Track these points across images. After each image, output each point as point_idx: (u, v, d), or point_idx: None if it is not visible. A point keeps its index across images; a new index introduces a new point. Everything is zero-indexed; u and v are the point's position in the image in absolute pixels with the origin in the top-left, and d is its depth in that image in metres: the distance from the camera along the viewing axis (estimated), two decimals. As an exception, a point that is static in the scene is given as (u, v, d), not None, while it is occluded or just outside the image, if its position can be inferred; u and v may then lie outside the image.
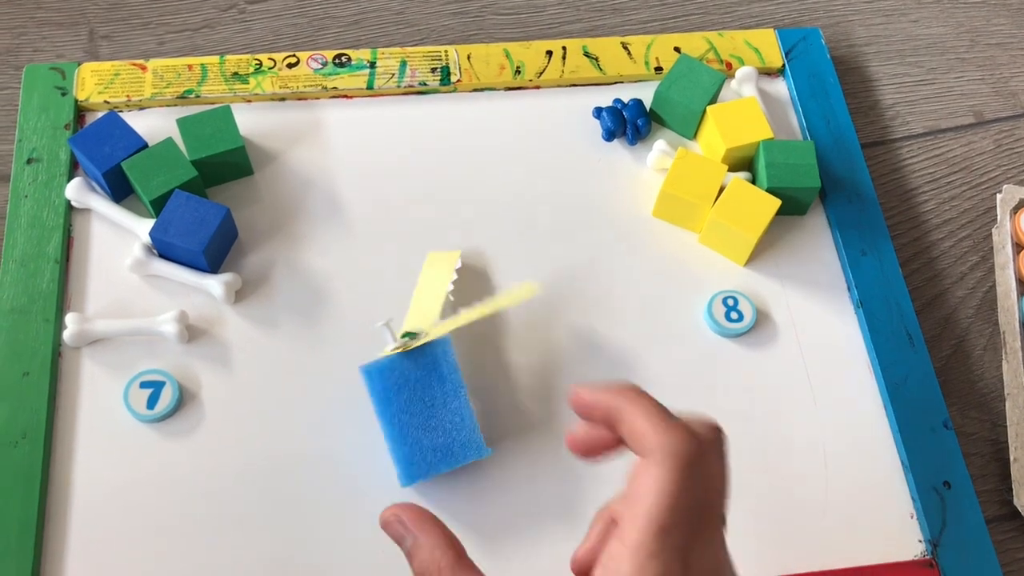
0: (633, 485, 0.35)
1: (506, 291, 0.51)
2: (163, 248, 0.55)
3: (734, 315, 0.57)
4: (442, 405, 0.51)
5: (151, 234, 0.55)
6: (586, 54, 0.66)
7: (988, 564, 0.52)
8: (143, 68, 0.63)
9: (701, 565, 0.35)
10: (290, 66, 0.64)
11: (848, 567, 0.51)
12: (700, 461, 0.35)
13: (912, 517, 0.53)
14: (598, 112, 0.63)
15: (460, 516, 0.51)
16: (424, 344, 0.51)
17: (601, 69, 0.66)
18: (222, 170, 0.59)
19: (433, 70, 0.64)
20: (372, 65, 0.64)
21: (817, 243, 0.61)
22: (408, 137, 0.63)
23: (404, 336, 0.51)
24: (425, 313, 0.52)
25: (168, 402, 0.52)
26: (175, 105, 0.62)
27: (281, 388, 0.54)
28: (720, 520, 0.37)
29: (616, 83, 0.66)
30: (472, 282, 0.58)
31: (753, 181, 0.61)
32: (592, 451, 0.39)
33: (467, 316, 0.51)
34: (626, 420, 0.36)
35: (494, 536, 0.51)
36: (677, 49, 0.66)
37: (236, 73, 0.63)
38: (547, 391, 0.54)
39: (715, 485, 0.37)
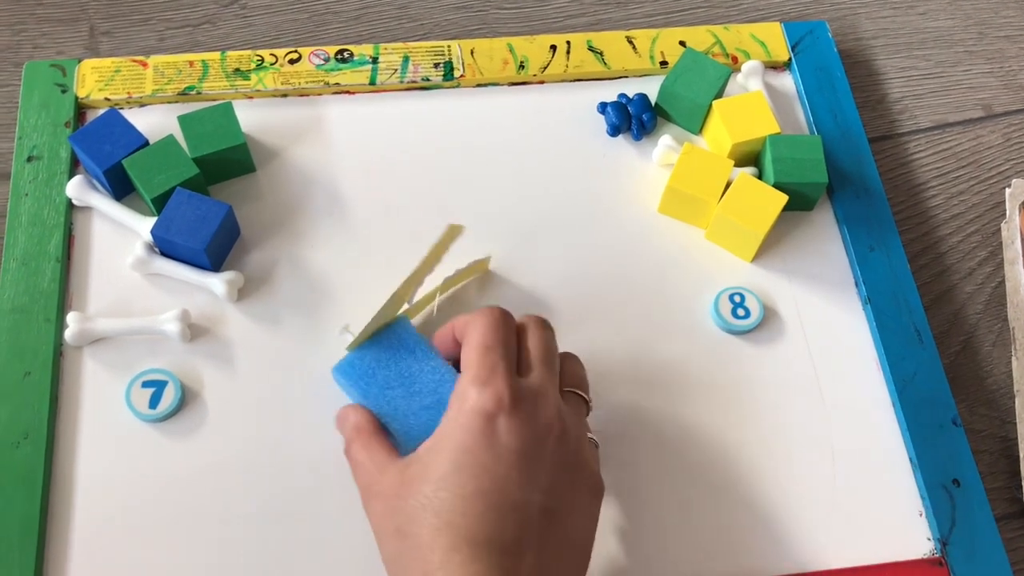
0: (464, 342, 0.46)
1: (435, 241, 0.50)
2: (165, 246, 0.55)
3: (741, 312, 0.57)
4: (419, 371, 0.51)
5: (153, 232, 0.54)
6: (590, 48, 0.65)
7: (998, 562, 0.51)
8: (144, 65, 0.62)
9: (527, 382, 0.44)
10: (292, 62, 0.63)
11: (856, 566, 0.51)
12: (505, 316, 0.46)
13: (921, 515, 0.53)
14: (603, 107, 0.63)
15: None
16: (382, 329, 0.51)
17: (606, 64, 0.65)
18: (224, 167, 0.58)
19: (436, 65, 0.64)
20: (374, 60, 0.64)
21: (824, 239, 0.61)
22: (411, 133, 0.62)
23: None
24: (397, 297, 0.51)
25: (170, 402, 0.52)
26: (176, 102, 0.62)
27: (284, 386, 0.53)
28: (547, 369, 0.46)
29: (621, 78, 0.65)
30: (476, 281, 0.57)
31: (760, 176, 0.61)
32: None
33: (409, 279, 0.50)
34: (455, 323, 0.48)
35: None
36: (682, 43, 0.66)
37: (238, 69, 0.62)
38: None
39: (540, 343, 0.47)
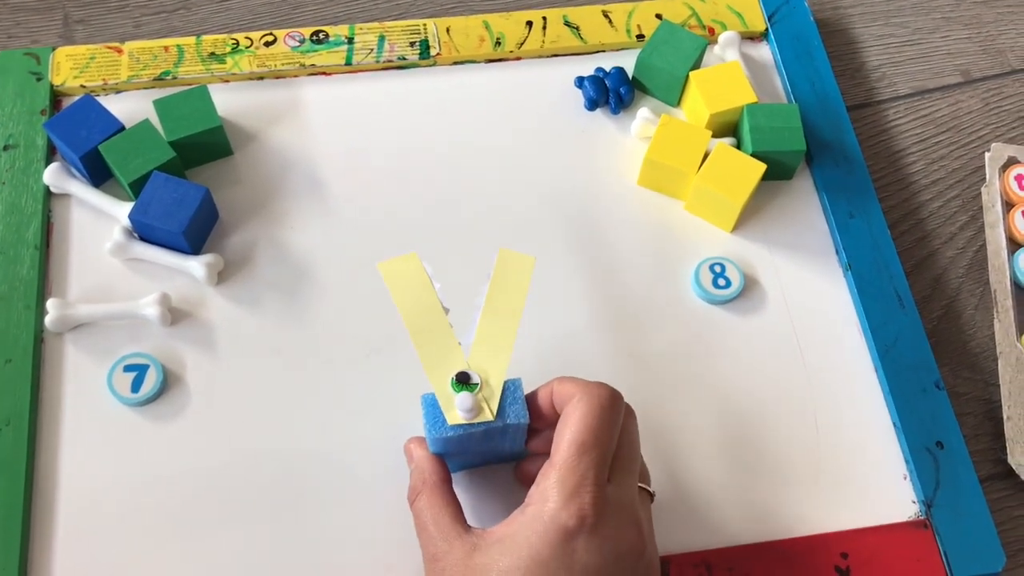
0: (560, 424, 0.43)
1: (513, 280, 0.48)
2: (143, 230, 0.55)
3: (721, 282, 0.57)
4: (500, 442, 0.47)
5: (131, 216, 0.54)
6: (567, 23, 0.65)
7: (982, 523, 0.51)
8: (119, 51, 0.62)
9: (615, 493, 0.42)
10: (267, 44, 0.63)
11: (842, 530, 0.51)
12: (613, 405, 0.43)
13: (905, 478, 0.53)
14: (580, 82, 0.63)
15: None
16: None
17: (582, 38, 0.65)
18: (201, 151, 0.58)
19: (412, 44, 0.64)
20: (350, 41, 0.63)
21: (804, 207, 0.61)
22: (388, 112, 0.62)
23: (460, 380, 0.46)
24: (493, 349, 0.47)
25: (152, 385, 0.52)
26: (152, 87, 0.62)
27: (265, 368, 0.53)
28: (634, 470, 0.44)
29: (598, 52, 0.65)
30: (458, 262, 0.57)
31: (738, 146, 0.60)
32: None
33: (511, 332, 0.47)
34: (556, 389, 0.45)
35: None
36: (658, 16, 0.66)
37: (213, 53, 0.62)
38: (533, 363, 0.54)
39: (629, 438, 0.45)
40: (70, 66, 0.61)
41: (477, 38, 0.64)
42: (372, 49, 0.63)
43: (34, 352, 0.52)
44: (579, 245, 0.58)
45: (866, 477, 0.53)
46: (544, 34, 0.65)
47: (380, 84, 0.63)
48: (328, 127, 0.61)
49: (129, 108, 0.60)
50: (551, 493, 0.41)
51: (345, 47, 0.63)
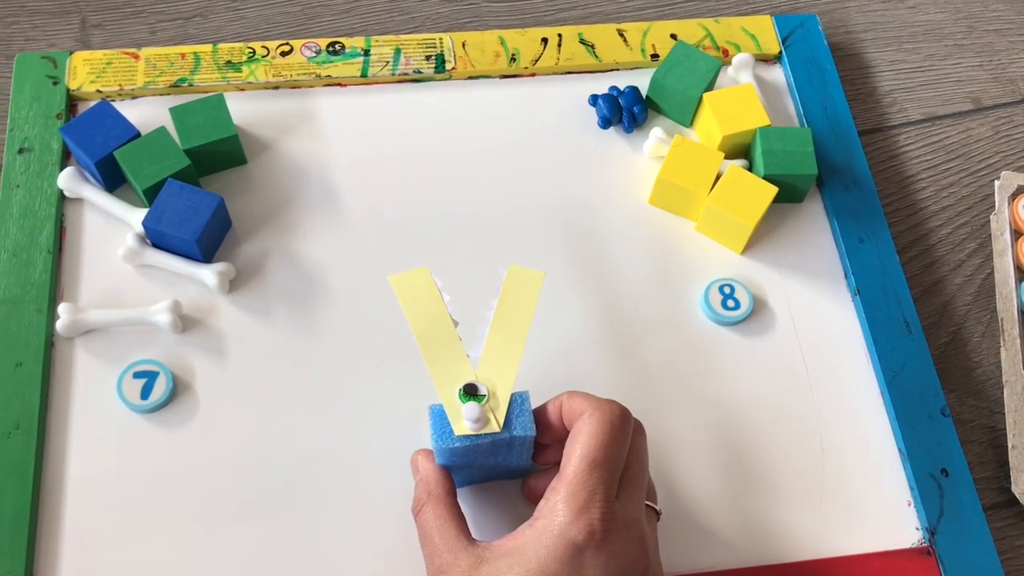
0: (570, 439, 0.43)
1: (522, 295, 0.48)
2: (156, 238, 0.55)
3: (731, 303, 0.57)
4: (507, 455, 0.48)
5: (144, 223, 0.54)
6: (582, 41, 0.65)
7: (986, 551, 0.51)
8: (136, 57, 0.62)
9: (623, 509, 0.42)
10: (283, 54, 0.63)
11: (845, 555, 0.51)
12: (624, 422, 0.43)
13: (909, 505, 0.53)
14: (594, 100, 0.63)
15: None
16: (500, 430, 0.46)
17: (597, 56, 0.65)
18: (215, 159, 0.58)
19: (428, 58, 0.64)
20: (366, 53, 0.64)
21: (814, 231, 0.61)
22: (402, 125, 0.62)
23: (467, 391, 0.46)
24: (501, 362, 0.47)
25: (162, 392, 0.52)
26: (168, 94, 0.62)
27: (275, 377, 0.54)
28: (642, 487, 0.44)
29: (612, 70, 0.66)
30: (468, 275, 0.57)
31: (750, 168, 0.61)
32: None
33: (519, 346, 0.48)
34: (566, 404, 0.45)
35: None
36: (673, 36, 0.66)
37: (229, 61, 0.62)
38: (540, 377, 0.54)
39: (638, 455, 0.45)
40: (87, 71, 0.61)
41: (492, 53, 0.64)
42: (388, 62, 0.63)
43: (45, 356, 0.53)
44: (589, 262, 0.59)
45: (870, 502, 0.53)
46: (559, 51, 0.65)
47: (395, 97, 0.63)
48: (342, 138, 0.61)
49: (144, 114, 0.60)
50: (560, 507, 0.41)
51: (361, 59, 0.63)
